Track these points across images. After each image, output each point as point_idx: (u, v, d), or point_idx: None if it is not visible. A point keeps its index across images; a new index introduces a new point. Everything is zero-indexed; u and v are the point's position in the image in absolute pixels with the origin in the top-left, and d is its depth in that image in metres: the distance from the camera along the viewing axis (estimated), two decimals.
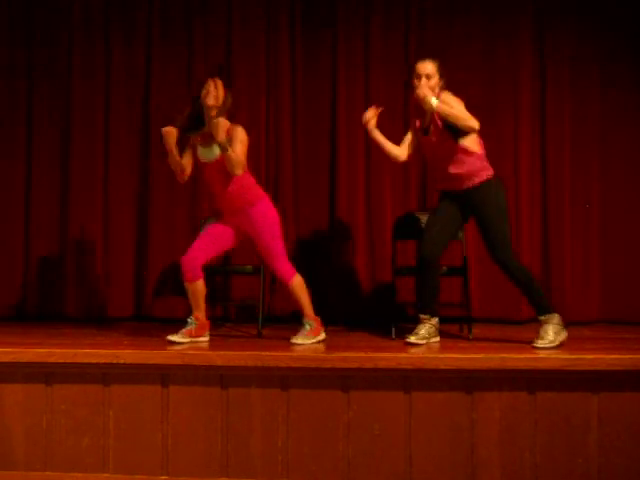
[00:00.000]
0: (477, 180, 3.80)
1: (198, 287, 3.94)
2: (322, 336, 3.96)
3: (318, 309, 5.09)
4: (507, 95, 5.04)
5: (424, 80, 3.76)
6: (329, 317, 5.02)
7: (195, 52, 5.22)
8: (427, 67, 3.79)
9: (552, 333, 3.65)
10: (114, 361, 3.41)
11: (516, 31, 5.07)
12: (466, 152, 3.77)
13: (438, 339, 3.89)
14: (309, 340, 3.87)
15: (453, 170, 3.80)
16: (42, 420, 3.47)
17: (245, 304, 4.91)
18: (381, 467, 3.32)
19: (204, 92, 3.85)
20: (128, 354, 3.46)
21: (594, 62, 5.04)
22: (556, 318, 3.71)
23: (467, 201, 3.84)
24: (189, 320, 3.94)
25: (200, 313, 3.97)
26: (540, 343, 3.62)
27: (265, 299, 4.77)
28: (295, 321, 4.99)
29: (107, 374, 3.44)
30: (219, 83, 3.87)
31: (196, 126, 3.89)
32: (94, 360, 3.42)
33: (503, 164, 4.95)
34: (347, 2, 5.17)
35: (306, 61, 5.21)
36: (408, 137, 4.03)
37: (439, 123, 3.74)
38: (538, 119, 5.11)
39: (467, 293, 4.36)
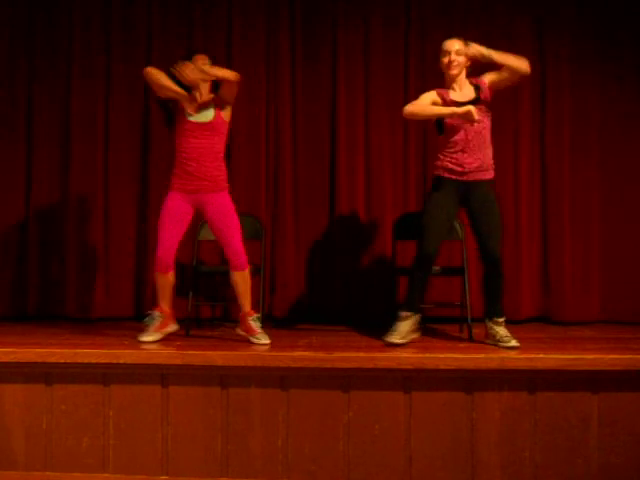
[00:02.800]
0: (490, 175, 3.84)
1: (169, 279, 3.94)
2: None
3: (318, 308, 5.14)
4: (507, 94, 5.02)
5: (454, 57, 3.76)
6: (329, 317, 5.06)
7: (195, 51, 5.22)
8: (455, 44, 3.79)
9: (506, 331, 3.76)
10: (114, 361, 3.41)
11: (516, 31, 5.08)
12: (489, 142, 3.83)
13: (418, 335, 3.86)
14: (268, 339, 3.84)
15: (481, 156, 3.78)
16: (42, 420, 3.47)
17: None
18: (381, 467, 3.32)
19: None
20: (128, 354, 3.46)
21: (594, 62, 5.04)
22: (504, 320, 3.87)
23: (470, 193, 3.81)
24: (155, 315, 3.93)
25: (166, 304, 3.96)
26: (512, 342, 3.65)
27: (265, 299, 4.77)
28: (295, 321, 5.02)
29: (107, 374, 3.44)
30: (206, 60, 3.95)
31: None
32: (94, 360, 3.42)
33: (503, 164, 4.95)
34: (347, 1, 5.18)
35: (306, 60, 5.21)
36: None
37: (483, 106, 3.77)
38: (538, 119, 5.11)
39: (467, 293, 4.36)
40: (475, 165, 3.79)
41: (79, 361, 3.43)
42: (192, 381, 3.42)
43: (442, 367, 3.30)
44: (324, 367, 3.34)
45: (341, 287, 5.12)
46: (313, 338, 4.18)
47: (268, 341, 3.81)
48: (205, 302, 5.05)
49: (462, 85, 3.85)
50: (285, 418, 3.37)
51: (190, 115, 3.93)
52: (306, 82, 5.22)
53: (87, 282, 5.20)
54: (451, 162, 3.83)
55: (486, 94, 3.82)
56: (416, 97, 5.07)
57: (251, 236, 4.73)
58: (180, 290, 4.84)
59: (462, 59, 3.79)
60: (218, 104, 3.93)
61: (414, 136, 5.15)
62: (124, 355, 3.44)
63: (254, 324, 3.92)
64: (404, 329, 3.77)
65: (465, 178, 3.80)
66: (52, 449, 3.46)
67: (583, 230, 5.04)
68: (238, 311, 4.03)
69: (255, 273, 4.49)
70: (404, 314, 3.81)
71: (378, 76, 5.17)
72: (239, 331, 3.97)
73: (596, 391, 3.27)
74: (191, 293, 4.48)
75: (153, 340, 3.82)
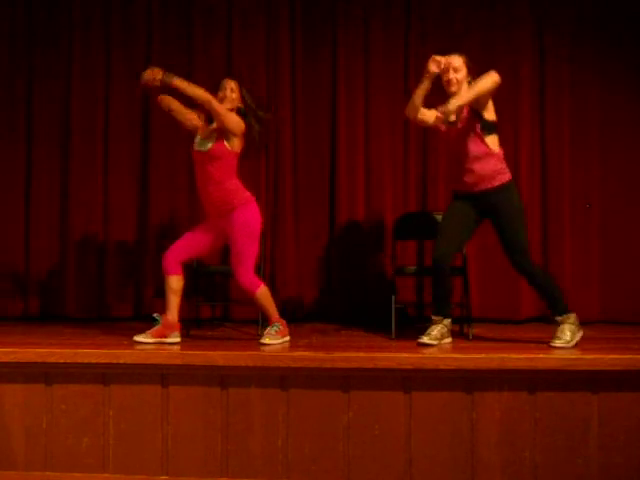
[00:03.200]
0: (497, 182, 3.76)
1: (172, 282, 3.90)
2: (288, 337, 3.91)
3: (318, 308, 5.15)
4: (507, 95, 5.03)
5: (452, 74, 3.70)
6: (329, 317, 5.06)
7: (195, 51, 5.22)
8: (454, 60, 3.74)
9: (569, 333, 3.67)
10: (114, 361, 3.41)
11: (516, 31, 5.07)
12: (489, 150, 3.75)
13: (450, 340, 3.88)
14: (278, 340, 3.82)
15: (477, 167, 3.73)
16: (42, 420, 3.47)
17: (245, 304, 4.90)
18: (381, 467, 3.32)
19: (220, 94, 3.88)
20: (128, 354, 3.46)
21: (593, 62, 5.04)
22: (572, 318, 3.75)
23: (484, 203, 3.78)
24: (157, 318, 3.92)
25: (169, 312, 3.90)
26: (557, 342, 3.63)
27: None
28: (294, 321, 5.02)
29: (107, 374, 3.44)
30: (235, 86, 3.93)
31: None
32: (94, 360, 3.42)
33: None
34: (347, 1, 5.17)
35: (306, 60, 5.21)
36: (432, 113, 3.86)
37: (466, 114, 3.74)
38: (538, 119, 5.11)
39: (467, 293, 4.36)
40: (473, 179, 3.76)
41: (79, 361, 3.43)
42: (192, 381, 3.42)
43: (442, 367, 3.29)
44: (324, 367, 3.34)
45: (341, 287, 5.12)
46: (313, 338, 4.18)
47: (267, 342, 3.77)
48: (205, 302, 5.05)
49: None
50: (285, 418, 3.37)
51: (195, 143, 3.94)
52: (306, 82, 5.22)
53: (87, 282, 5.20)
54: (456, 177, 3.86)
55: (464, 115, 3.77)
56: None
57: None
58: None
59: (461, 76, 3.73)
60: (221, 134, 3.87)
61: (414, 136, 5.15)
62: (124, 355, 3.44)
63: (269, 328, 3.88)
64: (433, 332, 3.78)
65: (474, 190, 3.78)
66: (52, 449, 3.46)
67: (583, 230, 5.04)
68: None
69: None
70: (433, 318, 3.86)
71: (378, 76, 5.17)
72: None
73: (596, 391, 3.26)
74: (191, 293, 4.47)
75: (144, 341, 3.77)
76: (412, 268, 4.63)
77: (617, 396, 3.26)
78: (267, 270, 4.97)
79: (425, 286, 5.08)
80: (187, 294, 4.45)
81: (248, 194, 3.95)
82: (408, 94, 5.06)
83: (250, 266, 3.89)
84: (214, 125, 3.89)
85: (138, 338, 3.80)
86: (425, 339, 3.74)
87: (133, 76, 5.23)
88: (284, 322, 3.95)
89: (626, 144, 5.02)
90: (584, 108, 5.06)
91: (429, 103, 3.84)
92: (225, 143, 3.86)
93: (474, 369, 3.29)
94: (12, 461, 3.47)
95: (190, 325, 4.37)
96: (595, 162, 5.06)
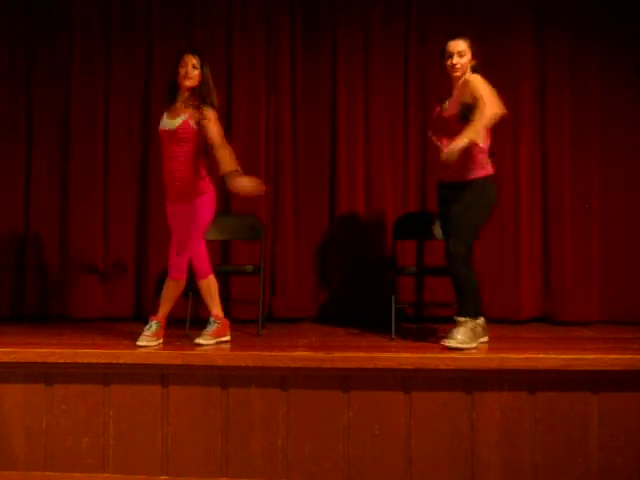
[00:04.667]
0: (475, 174, 3.70)
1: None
2: (227, 337, 3.90)
3: (318, 308, 5.14)
4: (507, 95, 5.01)
5: (456, 59, 3.69)
6: (329, 317, 5.06)
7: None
8: (459, 45, 3.71)
9: (459, 337, 3.54)
10: (114, 361, 3.41)
11: (516, 31, 5.07)
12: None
13: (487, 339, 3.78)
14: (212, 340, 3.79)
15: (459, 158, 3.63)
16: (42, 420, 3.47)
17: (245, 304, 4.90)
18: (381, 467, 3.32)
19: (182, 71, 3.67)
20: (128, 354, 3.46)
21: (594, 62, 5.04)
22: (471, 324, 3.61)
23: (458, 192, 3.71)
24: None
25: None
26: (446, 342, 3.54)
27: (265, 299, 4.77)
28: (295, 321, 5.02)
29: (107, 374, 3.44)
30: (197, 62, 3.69)
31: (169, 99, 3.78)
32: (94, 360, 3.42)
33: (503, 164, 4.95)
34: (347, 1, 5.18)
35: (306, 60, 5.21)
36: None
37: (456, 104, 3.71)
38: (538, 119, 5.11)
39: None
40: (449, 167, 3.63)
41: (79, 361, 3.43)
42: (192, 381, 3.42)
43: (442, 367, 3.29)
44: (324, 367, 3.34)
45: (341, 287, 5.12)
46: (313, 338, 4.18)
47: (205, 342, 3.75)
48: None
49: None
50: (285, 418, 3.37)
51: (162, 121, 3.75)
52: (306, 82, 5.21)
53: (87, 282, 5.20)
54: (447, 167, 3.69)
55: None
56: (416, 97, 5.15)
57: (251, 236, 4.74)
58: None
59: (465, 60, 3.71)
60: (195, 117, 3.64)
61: (414, 136, 5.14)
62: (124, 355, 3.44)
63: (209, 326, 3.90)
64: (458, 335, 3.58)
65: (444, 179, 3.81)
66: (52, 449, 3.46)
67: (583, 230, 5.04)
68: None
69: (255, 273, 4.49)
70: (460, 319, 3.65)
71: (378, 76, 5.17)
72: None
73: (596, 391, 3.26)
74: (191, 293, 4.47)
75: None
76: (412, 268, 4.63)
77: (617, 396, 3.26)
78: (267, 270, 4.96)
79: (425, 286, 5.08)
80: (187, 294, 4.46)
81: (210, 183, 3.81)
82: (408, 94, 5.13)
83: (203, 254, 3.93)
84: (180, 103, 3.72)
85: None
86: (453, 342, 3.54)
87: (133, 76, 5.27)
88: (227, 321, 3.97)
89: (626, 144, 5.02)
90: (584, 108, 5.06)
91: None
92: (191, 122, 3.64)
93: (474, 369, 3.29)
94: (12, 461, 3.47)
95: (190, 325, 4.37)
96: (595, 162, 5.06)
